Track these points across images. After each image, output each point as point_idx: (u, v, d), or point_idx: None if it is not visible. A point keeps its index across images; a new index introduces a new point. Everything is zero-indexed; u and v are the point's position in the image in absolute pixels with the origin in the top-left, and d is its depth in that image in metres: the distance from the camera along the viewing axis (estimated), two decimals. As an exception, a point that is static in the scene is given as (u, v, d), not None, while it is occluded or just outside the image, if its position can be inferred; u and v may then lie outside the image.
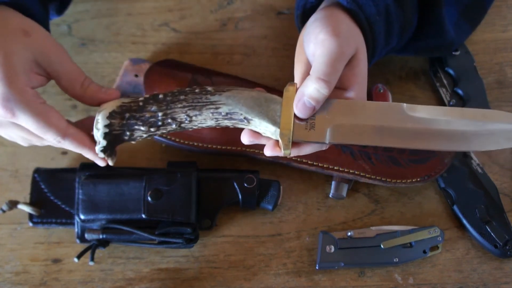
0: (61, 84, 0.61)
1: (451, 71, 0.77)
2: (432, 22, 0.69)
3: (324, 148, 0.60)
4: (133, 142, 0.60)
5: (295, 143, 0.57)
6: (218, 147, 0.72)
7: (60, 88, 0.61)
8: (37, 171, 0.73)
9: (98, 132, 0.58)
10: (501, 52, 0.80)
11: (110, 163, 0.61)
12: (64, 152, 0.76)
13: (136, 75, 0.77)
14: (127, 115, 0.58)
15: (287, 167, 0.74)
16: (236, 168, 0.74)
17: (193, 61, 0.79)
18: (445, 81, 0.77)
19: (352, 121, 0.56)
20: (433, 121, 0.56)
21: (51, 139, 0.59)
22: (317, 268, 0.70)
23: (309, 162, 0.72)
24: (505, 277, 0.71)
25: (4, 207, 0.71)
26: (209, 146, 0.72)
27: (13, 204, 0.71)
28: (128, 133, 0.58)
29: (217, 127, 0.58)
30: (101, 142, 0.58)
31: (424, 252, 0.70)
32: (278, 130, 0.56)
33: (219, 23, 0.82)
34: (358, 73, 0.59)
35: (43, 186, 0.72)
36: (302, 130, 0.56)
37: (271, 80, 0.79)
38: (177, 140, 0.72)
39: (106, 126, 0.58)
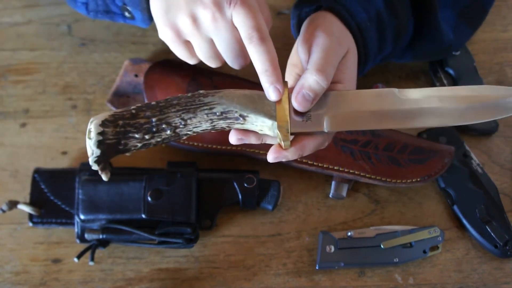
0: None
1: (451, 71, 0.77)
2: (429, 27, 0.69)
3: (325, 145, 0.60)
4: (127, 154, 0.59)
5: (295, 141, 0.57)
6: (218, 147, 0.72)
7: None
8: (37, 171, 0.73)
9: (91, 141, 0.55)
10: (501, 52, 0.80)
11: (104, 178, 0.58)
12: (64, 152, 0.76)
13: (136, 75, 0.77)
14: (120, 122, 0.56)
15: (287, 167, 0.74)
16: (236, 168, 0.74)
17: (193, 61, 0.79)
18: (445, 81, 0.77)
19: (347, 109, 0.57)
20: (426, 101, 0.56)
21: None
22: (317, 268, 0.70)
23: (309, 162, 0.72)
24: (505, 277, 0.71)
25: (4, 207, 0.71)
26: (209, 146, 0.72)
27: (13, 204, 0.71)
28: (122, 141, 0.56)
29: (213, 131, 0.58)
30: (95, 152, 0.56)
31: (424, 252, 0.70)
32: (275, 123, 0.56)
33: (219, 23, 0.82)
34: (347, 69, 0.60)
35: (43, 186, 0.72)
36: (299, 122, 0.56)
37: (271, 80, 0.79)
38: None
39: (99, 133, 0.55)
